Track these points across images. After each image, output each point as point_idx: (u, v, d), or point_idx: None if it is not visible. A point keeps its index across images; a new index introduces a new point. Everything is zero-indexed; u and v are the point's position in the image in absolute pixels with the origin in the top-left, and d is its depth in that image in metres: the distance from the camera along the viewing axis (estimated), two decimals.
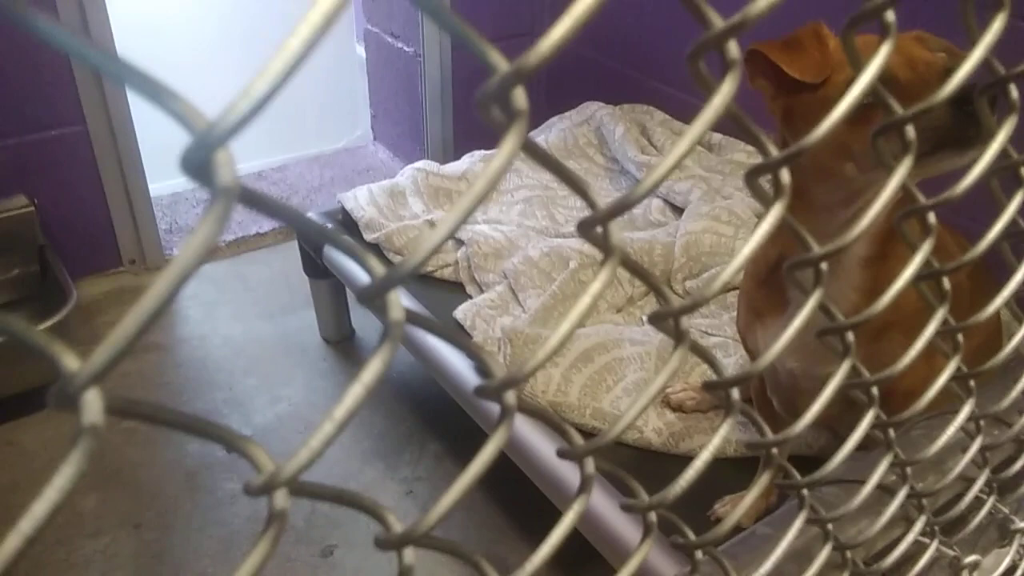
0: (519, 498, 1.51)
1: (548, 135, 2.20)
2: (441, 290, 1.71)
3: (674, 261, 1.69)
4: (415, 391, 1.92)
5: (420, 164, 1.99)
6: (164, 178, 2.38)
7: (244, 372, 1.96)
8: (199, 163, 0.19)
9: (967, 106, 0.71)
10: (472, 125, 2.58)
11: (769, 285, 1.01)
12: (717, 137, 2.08)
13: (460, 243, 1.76)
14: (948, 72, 0.73)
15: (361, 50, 2.84)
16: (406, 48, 2.53)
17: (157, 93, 0.19)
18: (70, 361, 0.20)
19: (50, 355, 0.20)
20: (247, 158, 2.76)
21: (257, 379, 1.94)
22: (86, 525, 1.58)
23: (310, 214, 1.92)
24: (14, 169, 1.97)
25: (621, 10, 2.29)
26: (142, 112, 2.06)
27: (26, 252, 1.97)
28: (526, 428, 1.34)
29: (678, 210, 1.86)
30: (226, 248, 2.40)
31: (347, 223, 1.86)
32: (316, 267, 1.91)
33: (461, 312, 1.59)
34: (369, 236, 1.79)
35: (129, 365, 1.96)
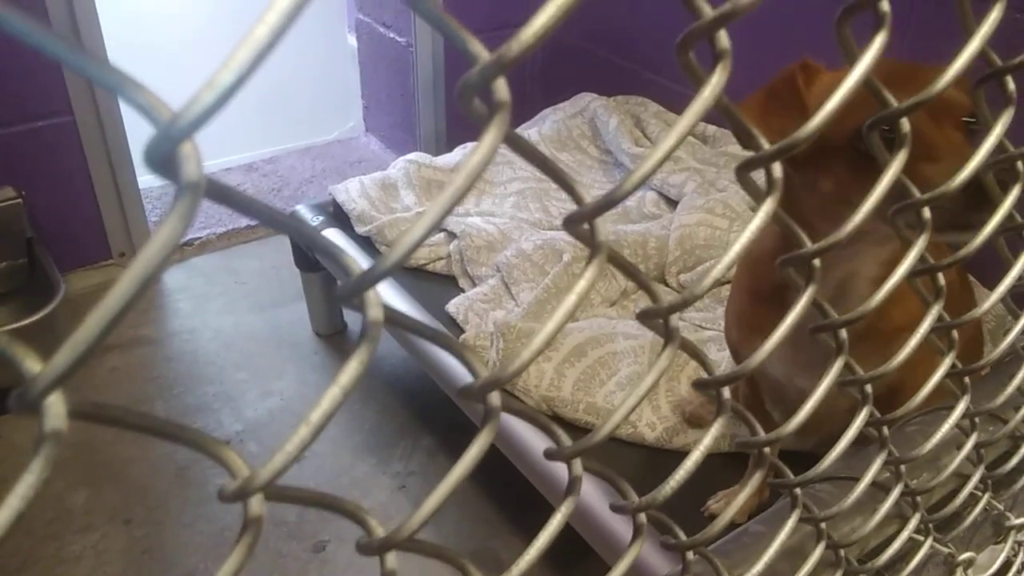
0: (513, 493, 1.51)
1: (542, 127, 2.18)
2: (433, 283, 1.70)
3: (668, 254, 1.68)
4: (407, 385, 1.91)
5: (412, 156, 1.98)
6: None
7: (235, 366, 1.95)
8: (163, 157, 0.18)
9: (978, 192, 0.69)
10: (465, 117, 2.57)
11: (771, 303, 0.98)
12: (712, 129, 2.07)
13: (452, 236, 1.75)
14: (969, 120, 0.71)
15: (353, 40, 2.82)
16: (398, 38, 2.51)
17: (121, 84, 0.18)
18: (32, 364, 0.19)
19: (10, 358, 0.20)
20: (237, 149, 2.74)
21: (248, 373, 1.93)
22: (76, 521, 1.57)
23: (299, 207, 1.90)
24: (1, 160, 1.95)
25: (615, 0, 2.28)
26: None
27: (14, 244, 1.95)
28: (520, 424, 1.33)
29: (672, 203, 1.85)
30: (216, 241, 2.38)
31: (338, 215, 1.85)
32: (307, 260, 1.90)
33: (453, 306, 1.58)
34: (361, 229, 1.78)
35: (118, 359, 1.95)
